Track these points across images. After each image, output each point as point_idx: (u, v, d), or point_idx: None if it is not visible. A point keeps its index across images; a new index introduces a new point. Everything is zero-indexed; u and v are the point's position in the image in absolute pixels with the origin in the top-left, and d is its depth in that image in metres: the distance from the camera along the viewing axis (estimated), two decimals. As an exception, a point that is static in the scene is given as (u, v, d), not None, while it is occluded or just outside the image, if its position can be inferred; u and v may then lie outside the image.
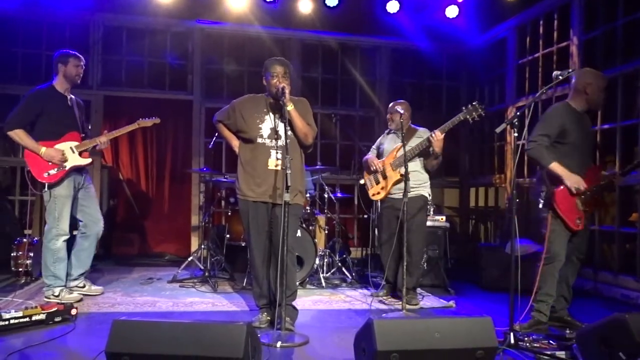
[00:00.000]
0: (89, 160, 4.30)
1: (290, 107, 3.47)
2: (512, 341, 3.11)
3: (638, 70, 4.88)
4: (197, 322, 2.45)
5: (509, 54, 6.72)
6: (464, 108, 4.20)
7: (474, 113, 4.16)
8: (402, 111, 4.41)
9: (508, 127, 3.35)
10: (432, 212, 4.88)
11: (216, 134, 5.35)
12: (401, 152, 4.24)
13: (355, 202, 7.39)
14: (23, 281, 4.82)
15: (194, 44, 6.99)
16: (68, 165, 4.15)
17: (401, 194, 4.15)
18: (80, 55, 4.36)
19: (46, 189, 4.13)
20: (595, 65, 5.29)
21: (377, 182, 4.58)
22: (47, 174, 4.11)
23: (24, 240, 4.95)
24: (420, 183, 4.47)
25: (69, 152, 4.18)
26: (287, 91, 3.43)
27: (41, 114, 4.15)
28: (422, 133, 4.48)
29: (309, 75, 7.36)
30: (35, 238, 5.11)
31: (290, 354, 3.05)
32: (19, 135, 4.10)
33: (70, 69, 4.25)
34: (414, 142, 4.40)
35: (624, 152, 5.06)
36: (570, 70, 3.32)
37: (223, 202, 6.74)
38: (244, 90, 6.91)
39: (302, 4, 6.58)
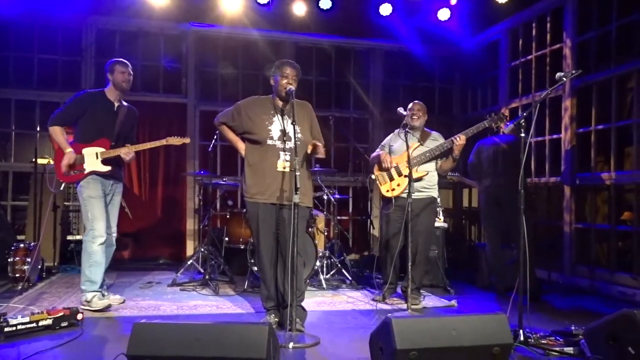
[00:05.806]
0: (108, 167, 4.18)
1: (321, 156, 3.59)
2: (522, 338, 3.16)
3: (631, 72, 4.98)
4: (218, 323, 2.45)
5: (502, 56, 6.80)
6: (487, 116, 4.36)
7: (498, 122, 4.33)
8: (422, 112, 4.55)
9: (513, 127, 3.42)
10: (441, 214, 4.87)
11: (215, 137, 5.37)
12: (417, 151, 4.36)
13: (350, 203, 7.41)
14: (21, 287, 4.73)
15: (188, 47, 6.96)
16: (87, 169, 4.14)
17: (413, 194, 4.15)
18: (127, 62, 4.30)
19: (62, 188, 4.22)
20: (588, 67, 5.40)
21: (392, 179, 4.46)
22: (66, 173, 4.13)
23: (21, 245, 4.89)
24: (432, 184, 4.50)
25: (92, 157, 4.14)
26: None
27: (82, 116, 4.18)
28: (437, 136, 4.55)
29: (303, 77, 7.29)
30: (32, 243, 5.04)
31: (302, 354, 3.06)
32: (56, 131, 4.14)
33: (116, 76, 4.23)
34: (430, 144, 4.45)
35: (617, 152, 5.17)
36: (574, 72, 3.39)
37: (218, 205, 6.73)
38: (238, 92, 6.90)
39: (296, 6, 6.60)
